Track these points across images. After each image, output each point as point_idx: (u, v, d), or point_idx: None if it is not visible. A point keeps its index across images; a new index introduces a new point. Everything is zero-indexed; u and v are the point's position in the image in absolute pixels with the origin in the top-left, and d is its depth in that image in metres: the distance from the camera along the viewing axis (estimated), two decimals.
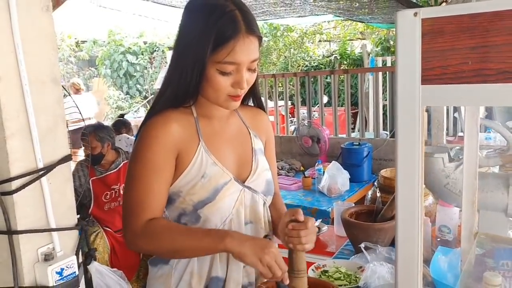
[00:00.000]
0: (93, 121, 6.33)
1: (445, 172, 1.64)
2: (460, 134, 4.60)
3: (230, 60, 1.12)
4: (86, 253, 0.95)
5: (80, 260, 0.95)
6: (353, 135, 5.39)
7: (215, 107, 1.26)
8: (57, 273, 0.86)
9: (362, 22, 8.03)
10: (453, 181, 1.63)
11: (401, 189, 0.77)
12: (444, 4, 4.02)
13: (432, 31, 0.69)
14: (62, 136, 0.92)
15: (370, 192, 2.36)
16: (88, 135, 3.27)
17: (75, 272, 0.90)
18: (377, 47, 9.48)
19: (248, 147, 1.34)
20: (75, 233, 0.95)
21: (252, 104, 1.41)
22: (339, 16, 6.81)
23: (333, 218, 3.28)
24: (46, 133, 0.89)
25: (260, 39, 1.19)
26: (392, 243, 1.95)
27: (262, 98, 1.47)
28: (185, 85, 1.18)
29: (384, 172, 2.36)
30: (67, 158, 0.92)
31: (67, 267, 0.88)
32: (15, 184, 0.83)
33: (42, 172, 0.86)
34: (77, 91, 7.80)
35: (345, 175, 3.91)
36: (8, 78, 0.83)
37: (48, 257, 0.87)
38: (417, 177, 0.75)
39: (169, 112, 1.22)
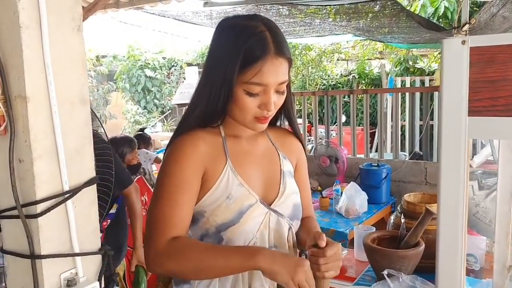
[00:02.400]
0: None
1: (474, 200, 1.58)
2: (477, 158, 4.51)
3: (257, 81, 1.11)
4: (108, 278, 0.92)
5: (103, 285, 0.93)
6: (371, 155, 5.34)
7: (242, 128, 1.24)
8: None
9: (382, 42, 8.01)
10: (483, 210, 1.58)
11: (443, 224, 0.73)
12: (467, 26, 3.97)
13: (482, 60, 0.66)
14: (88, 158, 0.90)
15: (392, 217, 2.30)
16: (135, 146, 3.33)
17: None
18: (396, 67, 9.43)
19: (277, 169, 1.31)
20: (98, 258, 0.92)
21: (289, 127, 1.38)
22: (359, 36, 6.80)
23: (350, 240, 3.24)
24: (73, 155, 0.87)
25: (290, 61, 1.17)
26: (416, 271, 1.89)
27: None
28: (213, 105, 1.17)
29: (407, 197, 2.30)
30: (92, 181, 0.90)
31: None
32: (40, 207, 0.81)
33: (68, 195, 0.84)
34: None
35: (364, 196, 3.86)
36: (37, 99, 0.81)
37: (70, 283, 0.84)
38: (460, 212, 0.71)
39: (197, 131, 1.22)
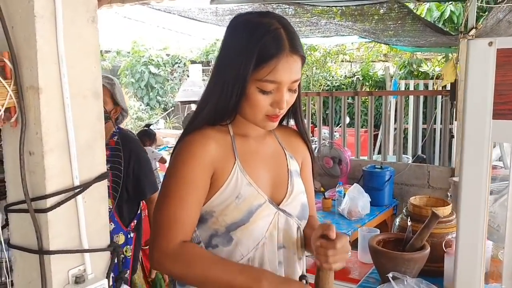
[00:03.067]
0: None
1: None
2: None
3: (271, 78, 1.10)
4: (117, 276, 0.91)
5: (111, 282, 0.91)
6: (374, 157, 5.32)
7: (252, 127, 1.23)
8: None
9: (387, 44, 7.99)
10: (492, 215, 1.56)
11: (463, 230, 0.71)
12: (474, 30, 3.95)
13: (509, 63, 0.64)
14: (100, 152, 0.89)
15: (398, 220, 2.29)
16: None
17: None
18: (400, 70, 9.41)
19: (284, 169, 1.30)
20: (107, 255, 0.90)
21: (295, 126, 1.37)
22: (364, 38, 6.78)
23: (353, 241, 3.22)
24: (85, 150, 0.85)
25: (303, 59, 1.16)
26: (421, 274, 1.87)
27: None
28: (224, 102, 1.16)
29: (413, 200, 2.28)
30: (103, 176, 0.88)
31: None
32: (50, 202, 0.80)
33: (78, 190, 0.83)
34: None
35: (366, 198, 3.84)
36: (50, 90, 0.80)
37: (79, 280, 0.82)
38: (482, 219, 0.70)
39: (206, 130, 1.20)
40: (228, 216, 1.17)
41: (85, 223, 0.85)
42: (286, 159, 1.32)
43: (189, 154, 1.16)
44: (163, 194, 1.17)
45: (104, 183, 0.89)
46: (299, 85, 1.21)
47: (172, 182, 1.16)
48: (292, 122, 1.38)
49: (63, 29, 0.78)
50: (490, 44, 0.64)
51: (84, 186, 0.84)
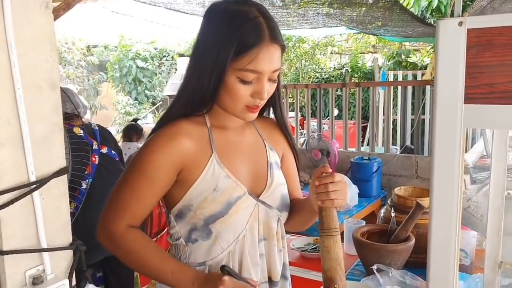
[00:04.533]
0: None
1: (466, 194, 1.55)
2: (469, 156, 4.49)
3: (252, 68, 1.08)
4: (80, 275, 0.87)
5: (74, 283, 0.87)
6: (362, 149, 5.31)
7: (230, 118, 1.21)
8: None
9: (375, 35, 7.96)
10: (475, 205, 1.54)
11: (435, 217, 0.68)
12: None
13: (479, 44, 0.60)
14: (58, 146, 0.84)
15: (383, 211, 2.27)
16: None
17: None
18: (389, 61, 9.40)
19: (264, 160, 1.28)
20: (69, 254, 0.86)
21: (275, 116, 1.34)
22: (352, 29, 6.74)
23: (341, 233, 3.20)
24: (41, 144, 0.81)
25: (283, 48, 1.14)
26: (406, 266, 1.85)
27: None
28: (201, 91, 1.14)
29: (398, 191, 2.26)
30: (63, 171, 0.84)
31: None
32: (2, 199, 0.75)
33: (34, 186, 0.78)
34: None
35: (354, 189, 3.83)
36: None
37: (36, 281, 0.78)
38: (455, 205, 0.66)
39: (180, 123, 1.17)
40: (206, 209, 1.15)
41: (43, 221, 0.80)
42: (266, 150, 1.30)
43: (156, 147, 1.14)
44: (123, 179, 1.17)
45: (64, 178, 0.84)
46: (278, 75, 1.19)
47: (132, 172, 1.16)
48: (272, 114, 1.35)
49: (12, 14, 0.73)
50: (460, 24, 0.60)
51: (41, 182, 0.79)
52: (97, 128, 2.54)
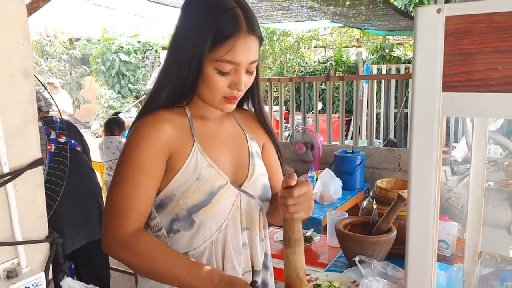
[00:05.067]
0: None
1: (447, 186, 1.56)
2: (455, 145, 4.54)
3: (229, 59, 1.08)
4: (57, 268, 0.85)
5: (51, 276, 0.85)
6: (346, 142, 5.34)
7: (209, 108, 1.21)
8: None
9: (359, 29, 7.99)
10: (456, 196, 1.56)
11: (413, 207, 0.68)
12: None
13: (458, 31, 0.60)
14: (33, 137, 0.82)
15: (365, 203, 2.28)
16: None
17: None
18: (372, 55, 9.45)
19: (245, 150, 1.28)
20: (45, 246, 0.84)
21: (253, 109, 1.34)
22: (336, 22, 6.75)
23: (324, 225, 3.23)
24: (14, 134, 0.78)
25: (261, 40, 1.15)
26: (388, 257, 1.87)
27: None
28: (181, 83, 1.13)
29: (380, 183, 2.27)
30: (38, 162, 0.81)
31: (33, 285, 0.78)
32: None
33: (8, 177, 0.76)
34: (53, 90, 7.78)
35: (338, 183, 3.85)
36: None
37: (11, 274, 0.76)
38: (433, 196, 0.66)
39: (161, 112, 1.16)
40: (189, 198, 1.14)
41: (18, 213, 0.78)
42: (247, 141, 1.30)
43: (141, 137, 1.12)
44: (116, 179, 1.13)
45: (40, 170, 0.82)
46: (257, 67, 1.19)
47: (124, 167, 1.12)
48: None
49: None
50: (439, 11, 0.60)
51: (15, 174, 0.77)
52: (58, 120, 2.57)
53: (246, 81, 1.14)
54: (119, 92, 12.60)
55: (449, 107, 0.62)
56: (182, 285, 1.09)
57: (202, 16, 1.09)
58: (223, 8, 1.08)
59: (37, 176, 0.83)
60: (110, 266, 3.06)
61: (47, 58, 11.91)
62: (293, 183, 1.07)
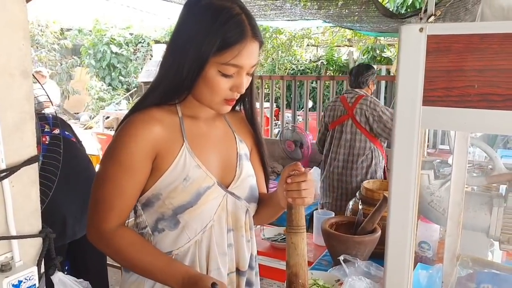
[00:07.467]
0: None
1: (430, 189, 1.60)
2: (441, 147, 4.61)
3: (235, 63, 1.12)
4: (49, 263, 0.87)
5: (42, 270, 0.88)
6: None
7: (202, 108, 1.22)
8: (13, 285, 0.78)
9: (351, 29, 8.04)
10: (438, 199, 1.60)
11: (393, 213, 0.72)
12: (433, 18, 4.01)
13: (438, 49, 0.64)
14: (29, 134, 0.84)
15: (351, 203, 2.32)
16: None
17: (34, 284, 0.82)
18: (363, 55, 9.52)
19: (233, 152, 1.30)
20: (38, 241, 0.87)
21: (244, 110, 1.36)
22: (328, 22, 6.79)
23: (311, 224, 3.27)
24: (12, 132, 0.81)
25: (262, 44, 1.19)
26: (372, 257, 1.91)
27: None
28: (178, 82, 1.15)
29: (366, 184, 2.32)
30: (33, 159, 0.84)
31: (26, 279, 0.80)
32: None
33: (5, 174, 0.78)
34: (40, 78, 7.73)
35: None
36: None
37: (4, 268, 0.79)
38: (411, 203, 0.70)
39: (152, 111, 1.18)
40: (175, 198, 1.15)
41: (12, 208, 0.81)
42: (236, 142, 1.31)
43: (128, 137, 1.14)
44: (101, 174, 1.17)
45: (35, 167, 0.85)
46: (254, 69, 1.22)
47: (110, 164, 1.15)
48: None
49: None
50: (421, 30, 0.63)
51: (11, 170, 0.79)
52: (50, 116, 2.61)
53: (245, 83, 1.17)
54: (109, 84, 12.52)
55: (429, 120, 0.66)
56: (156, 280, 1.16)
57: (208, 20, 1.11)
58: (230, 14, 1.11)
59: (32, 172, 0.85)
60: None
61: (37, 48, 11.79)
62: (302, 169, 1.12)
